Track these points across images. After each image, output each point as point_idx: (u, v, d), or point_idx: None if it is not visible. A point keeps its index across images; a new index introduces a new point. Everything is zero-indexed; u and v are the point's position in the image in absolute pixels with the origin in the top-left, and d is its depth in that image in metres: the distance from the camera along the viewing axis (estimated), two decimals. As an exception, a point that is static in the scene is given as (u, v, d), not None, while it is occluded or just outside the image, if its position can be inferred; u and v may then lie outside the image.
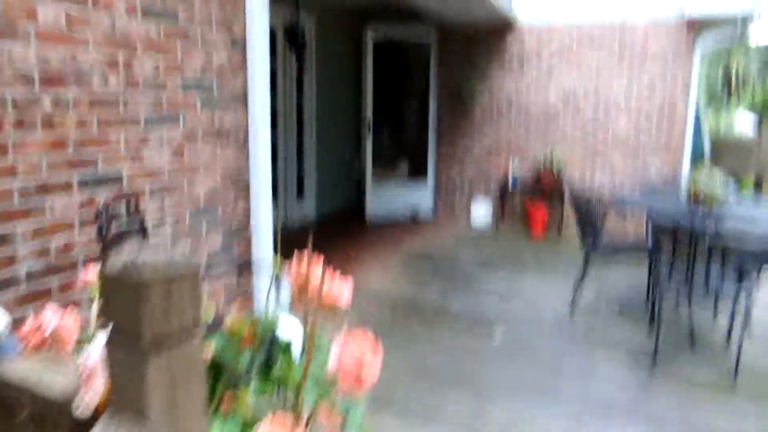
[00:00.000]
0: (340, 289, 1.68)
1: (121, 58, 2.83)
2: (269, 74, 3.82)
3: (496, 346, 3.96)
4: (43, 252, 2.52)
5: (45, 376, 1.20)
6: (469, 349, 3.88)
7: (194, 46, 3.26)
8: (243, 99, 3.66)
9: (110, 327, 0.96)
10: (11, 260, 2.42)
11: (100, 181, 2.77)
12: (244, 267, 3.68)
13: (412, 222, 7.84)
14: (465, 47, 7.89)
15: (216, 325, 2.42)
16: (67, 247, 2.63)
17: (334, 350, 1.32)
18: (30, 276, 2.49)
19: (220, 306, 3.57)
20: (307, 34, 7.18)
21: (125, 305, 0.91)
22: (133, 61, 2.90)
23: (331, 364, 1.31)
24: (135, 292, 0.89)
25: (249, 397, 1.63)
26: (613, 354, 3.88)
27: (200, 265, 0.91)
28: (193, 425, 1.01)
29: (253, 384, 1.65)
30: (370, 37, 7.67)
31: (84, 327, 1.38)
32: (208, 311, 1.68)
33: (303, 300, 1.50)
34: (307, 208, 7.74)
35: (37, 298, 2.51)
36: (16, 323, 1.36)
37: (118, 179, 2.87)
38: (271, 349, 1.73)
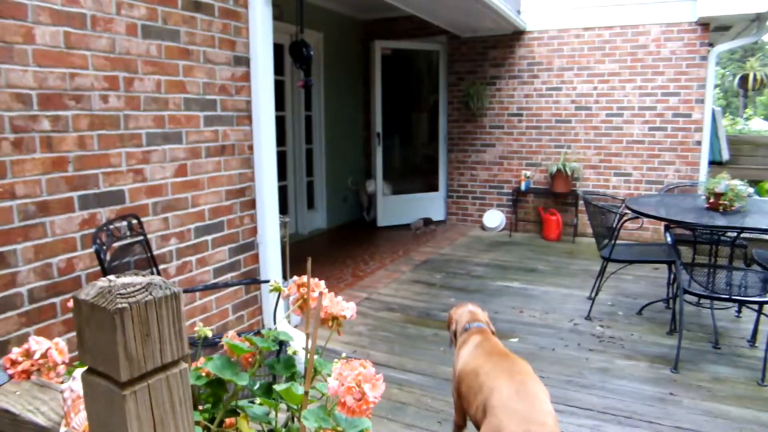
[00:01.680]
0: (340, 305, 1.63)
1: (121, 77, 2.82)
2: (275, 89, 3.80)
3: (514, 352, 3.86)
4: (45, 271, 2.50)
5: (29, 406, 1.16)
6: (484, 361, 3.80)
7: (196, 64, 3.25)
8: (247, 114, 3.64)
9: (86, 357, 0.91)
10: (12, 280, 2.40)
11: (101, 199, 2.75)
12: (254, 281, 3.63)
13: (425, 229, 7.76)
14: (474, 56, 7.85)
15: (217, 341, 2.36)
16: (69, 266, 2.61)
17: (335, 372, 1.26)
18: (32, 295, 2.47)
19: (228, 319, 3.53)
20: (314, 49, 7.18)
21: (100, 333, 0.86)
22: (134, 80, 2.89)
23: (331, 385, 1.25)
24: (110, 319, 0.84)
25: (249, 419, 1.57)
26: (633, 360, 3.78)
27: (180, 290, 0.86)
28: (178, 458, 0.96)
29: (255, 404, 1.60)
30: (378, 49, 7.65)
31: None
32: (202, 332, 1.63)
33: (303, 318, 1.45)
34: (319, 219, 7.72)
35: (40, 317, 2.49)
36: (4, 348, 1.32)
37: (120, 197, 2.84)
38: (273, 367, 1.68)
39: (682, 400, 3.28)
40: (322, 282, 1.61)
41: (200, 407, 1.58)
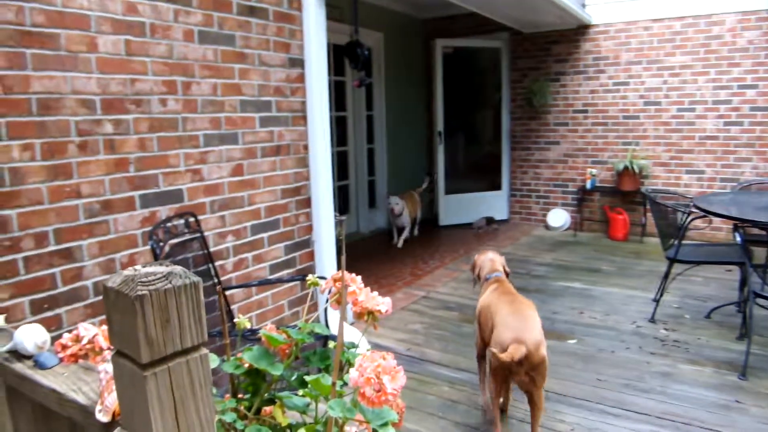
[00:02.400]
0: (375, 300, 1.66)
1: (179, 82, 2.95)
2: (335, 89, 3.87)
3: (570, 352, 3.78)
4: (108, 266, 2.65)
5: (73, 386, 1.24)
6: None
7: (251, 67, 3.36)
8: (302, 115, 3.73)
9: (114, 340, 0.97)
10: (78, 274, 2.56)
11: (161, 198, 2.89)
12: (305, 278, 3.71)
13: (487, 228, 7.69)
14: (537, 52, 7.70)
15: (254, 333, 2.44)
16: (131, 261, 2.75)
17: (356, 364, 1.29)
18: (97, 289, 2.62)
19: (284, 315, 3.62)
20: (374, 49, 7.25)
21: (124, 317, 0.92)
22: (191, 84, 3.02)
23: (352, 375, 1.28)
24: (131, 305, 0.89)
25: (285, 407, 1.62)
26: (697, 365, 3.61)
27: (199, 279, 0.90)
28: (200, 440, 1.00)
29: (296, 396, 1.65)
30: (439, 48, 7.64)
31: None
32: (241, 324, 1.69)
33: (341, 312, 1.48)
34: (380, 218, 7.77)
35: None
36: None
37: (178, 196, 2.97)
38: (309, 359, 1.72)
39: (748, 408, 3.12)
40: (359, 277, 1.64)
41: (240, 395, 1.65)
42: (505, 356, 2.43)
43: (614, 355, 3.80)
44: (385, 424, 1.31)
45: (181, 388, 0.96)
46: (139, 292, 0.88)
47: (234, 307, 3.31)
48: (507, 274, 3.18)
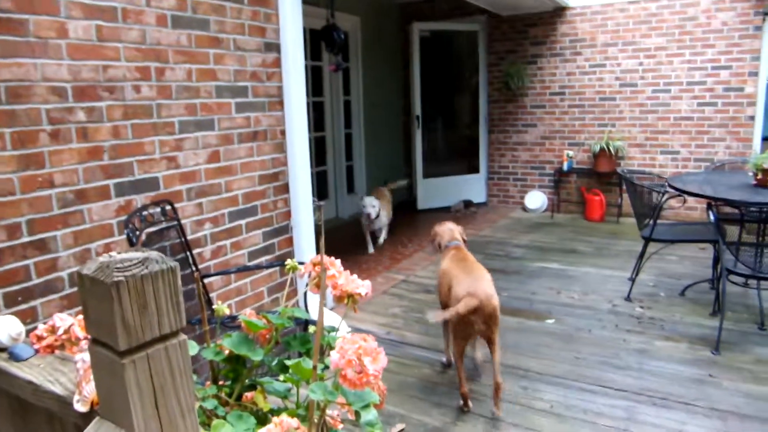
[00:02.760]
0: (355, 283, 1.66)
1: (152, 67, 2.90)
2: (312, 75, 3.84)
3: (548, 332, 3.83)
4: (84, 256, 2.61)
5: (49, 377, 1.23)
6: (521, 336, 3.78)
7: (227, 52, 3.31)
8: (279, 100, 3.69)
9: (91, 328, 0.96)
10: (53, 265, 2.52)
11: (136, 186, 2.86)
12: (284, 264, 3.70)
13: (465, 211, 7.73)
14: (514, 35, 7.71)
15: (234, 320, 2.43)
16: (108, 251, 2.71)
17: (337, 346, 1.30)
18: (72, 280, 2.59)
19: (263, 301, 3.61)
20: (351, 33, 7.19)
21: (100, 304, 0.91)
22: (165, 70, 2.97)
23: (333, 358, 1.28)
24: (107, 291, 0.88)
25: (266, 392, 1.63)
26: (672, 341, 3.69)
27: (176, 264, 0.89)
28: (181, 428, 1.00)
29: (277, 381, 1.65)
30: (416, 32, 7.61)
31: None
32: (220, 310, 1.69)
33: (320, 295, 1.48)
34: (358, 203, 7.76)
35: (82, 301, 2.60)
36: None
37: (154, 184, 2.94)
38: (290, 344, 1.73)
39: (721, 382, 3.20)
40: (338, 261, 1.64)
41: (220, 382, 1.64)
42: (460, 307, 2.81)
43: (591, 334, 3.86)
44: (366, 406, 1.32)
45: (161, 375, 0.95)
46: (116, 278, 0.87)
47: (213, 294, 3.29)
48: (464, 242, 3.52)
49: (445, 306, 3.17)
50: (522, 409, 2.98)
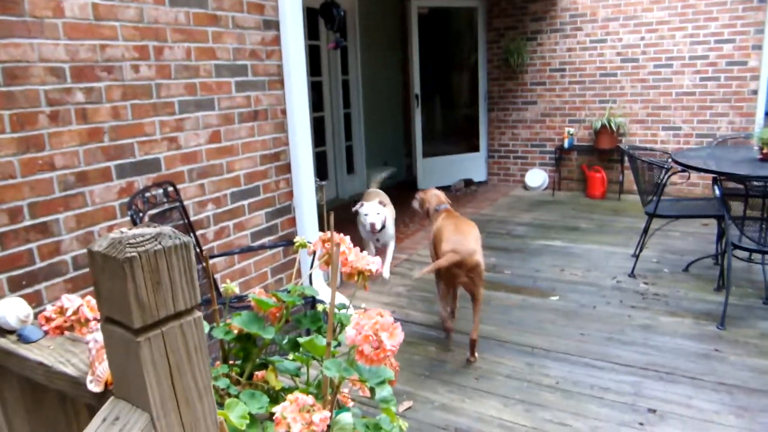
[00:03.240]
0: (365, 260, 1.64)
1: (151, 46, 2.85)
2: (310, 54, 3.78)
3: (553, 309, 3.83)
4: (87, 239, 2.59)
5: (60, 358, 1.21)
6: (526, 314, 3.78)
7: (225, 30, 3.26)
8: (279, 78, 3.65)
9: (103, 306, 0.94)
10: (57, 248, 2.50)
11: (137, 168, 2.82)
12: (289, 243, 3.68)
13: (466, 190, 7.70)
14: (514, 11, 7.62)
15: (241, 300, 2.41)
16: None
17: (353, 322, 1.28)
18: (76, 263, 2.57)
19: (267, 282, 3.60)
20: (349, 12, 7.10)
21: (113, 282, 0.88)
22: (164, 49, 2.92)
23: (349, 334, 1.27)
24: (120, 268, 0.86)
25: (277, 371, 1.61)
26: (677, 316, 3.69)
27: (190, 239, 0.87)
28: (197, 407, 0.98)
29: (283, 357, 1.63)
30: (414, 9, 7.51)
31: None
32: (229, 289, 1.66)
33: (332, 271, 1.46)
34: (359, 183, 7.72)
35: (86, 283, 2.59)
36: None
37: (156, 165, 2.91)
38: (300, 321, 1.71)
39: (727, 356, 3.20)
40: (347, 237, 1.61)
41: (231, 362, 1.63)
42: (442, 261, 3.13)
43: (596, 310, 3.86)
44: (382, 383, 1.31)
45: (176, 354, 0.93)
46: (128, 254, 0.85)
47: (217, 276, 3.27)
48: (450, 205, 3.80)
49: (436, 252, 3.46)
50: (529, 386, 2.98)
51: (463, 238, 3.25)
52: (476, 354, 3.27)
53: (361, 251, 1.54)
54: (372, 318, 1.20)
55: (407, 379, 3.07)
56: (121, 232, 0.91)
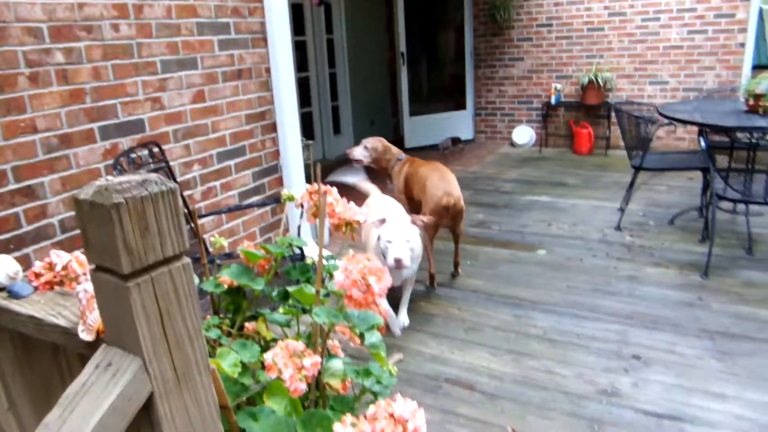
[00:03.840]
0: (353, 210, 1.65)
1: (130, 5, 2.79)
2: (293, 13, 3.72)
3: (540, 263, 3.88)
4: (73, 202, 2.57)
5: (51, 311, 1.22)
6: (514, 268, 3.83)
7: (205, -16, 3.18)
8: (262, 36, 3.59)
9: (92, 255, 0.94)
10: (43, 212, 2.49)
11: (121, 129, 2.79)
12: (277, 201, 3.68)
13: (453, 148, 7.69)
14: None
15: (230, 257, 2.43)
16: (98, 196, 2.68)
17: (341, 267, 1.30)
18: (63, 225, 2.56)
19: (256, 241, 3.61)
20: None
21: (100, 229, 0.89)
22: (143, 7, 2.86)
23: (338, 279, 1.29)
24: (107, 214, 0.86)
25: (267, 321, 1.63)
26: (662, 267, 3.76)
27: (176, 186, 0.87)
28: (189, 351, 1.00)
29: (273, 308, 1.66)
30: (398, -36, 7.37)
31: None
32: (217, 242, 1.67)
33: (320, 226, 1.47)
34: (345, 143, 7.68)
35: (74, 245, 2.59)
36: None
37: (140, 126, 2.88)
38: (290, 273, 1.73)
39: (710, 304, 3.27)
40: (334, 189, 1.62)
41: (221, 315, 1.65)
42: (444, 202, 3.40)
43: (583, 263, 3.92)
44: (371, 328, 1.33)
45: (166, 299, 0.95)
46: (115, 200, 0.85)
47: (205, 236, 3.28)
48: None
49: (412, 203, 3.79)
50: (517, 337, 3.04)
51: (449, 183, 3.51)
52: (459, 270, 3.82)
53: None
54: (359, 262, 1.21)
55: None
56: (107, 180, 0.91)
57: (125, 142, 2.82)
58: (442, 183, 3.50)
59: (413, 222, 3.09)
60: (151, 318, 0.92)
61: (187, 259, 0.98)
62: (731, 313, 3.15)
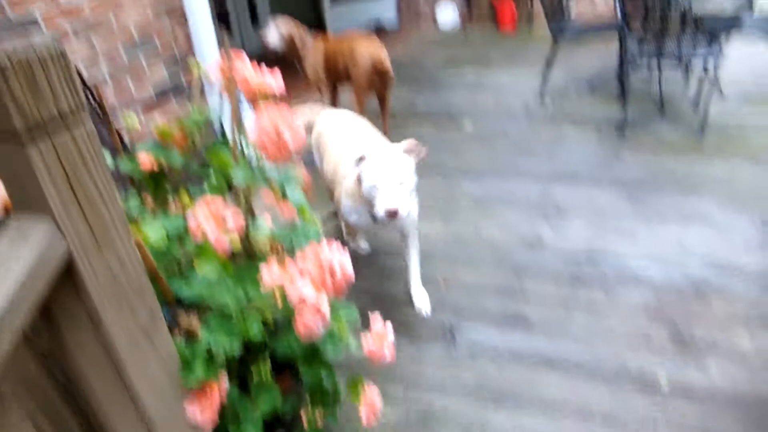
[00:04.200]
0: (265, 78, 1.62)
1: None
2: None
3: (466, 134, 3.99)
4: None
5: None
6: (440, 140, 3.91)
7: None
8: None
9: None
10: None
11: (12, 28, 2.59)
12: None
13: (377, 32, 7.50)
14: None
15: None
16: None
17: (253, 123, 1.30)
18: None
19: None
20: None
21: (-13, 94, 0.86)
22: None
23: (252, 135, 1.30)
24: (-8, 73, 0.84)
25: (189, 194, 1.64)
26: (582, 129, 3.91)
27: (64, 49, 0.85)
28: (104, 212, 1.01)
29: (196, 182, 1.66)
30: None
31: None
32: (128, 120, 1.64)
33: (230, 90, 1.45)
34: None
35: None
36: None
37: (33, 23, 2.68)
38: (208, 144, 1.72)
39: (626, 159, 3.47)
40: (244, 54, 1.59)
41: (144, 194, 1.65)
42: (375, 61, 3.58)
43: (506, 132, 4.03)
44: (291, 182, 1.37)
45: (71, 161, 0.94)
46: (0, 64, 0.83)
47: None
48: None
49: (334, 77, 3.90)
50: (445, 201, 3.16)
51: (377, 47, 3.66)
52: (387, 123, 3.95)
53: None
54: (271, 114, 1.22)
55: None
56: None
57: (18, 43, 2.62)
58: (371, 46, 3.65)
59: (408, 150, 2.17)
60: (58, 179, 0.92)
61: (88, 121, 0.97)
62: (643, 164, 3.36)
